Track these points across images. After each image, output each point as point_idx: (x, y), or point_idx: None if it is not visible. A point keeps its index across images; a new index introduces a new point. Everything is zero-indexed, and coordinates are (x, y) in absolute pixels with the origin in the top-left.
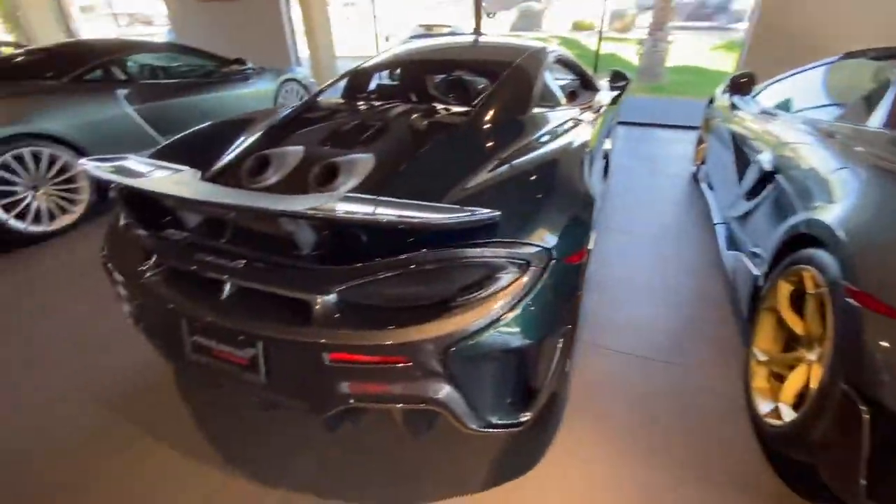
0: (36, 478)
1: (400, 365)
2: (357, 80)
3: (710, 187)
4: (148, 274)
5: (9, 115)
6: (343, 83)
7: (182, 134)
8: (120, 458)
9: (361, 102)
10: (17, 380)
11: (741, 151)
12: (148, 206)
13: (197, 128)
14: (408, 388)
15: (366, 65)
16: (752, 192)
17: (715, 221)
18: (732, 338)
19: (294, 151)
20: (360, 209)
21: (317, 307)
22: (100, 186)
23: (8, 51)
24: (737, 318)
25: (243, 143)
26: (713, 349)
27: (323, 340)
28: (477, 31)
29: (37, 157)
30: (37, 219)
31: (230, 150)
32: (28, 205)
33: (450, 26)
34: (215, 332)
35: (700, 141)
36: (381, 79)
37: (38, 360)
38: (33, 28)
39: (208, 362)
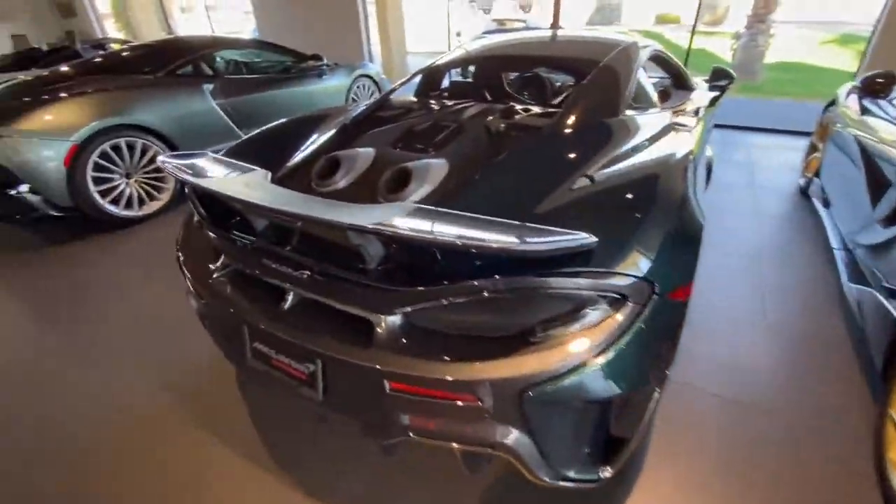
0: (85, 455)
1: (467, 404)
2: (431, 77)
3: (826, 205)
4: (215, 274)
5: (111, 108)
6: (416, 80)
7: (256, 131)
8: (172, 447)
9: (435, 101)
10: (89, 359)
11: (876, 166)
12: (219, 205)
13: (271, 125)
14: (473, 429)
15: (440, 61)
16: (893, 218)
17: (833, 246)
18: (856, 391)
19: (365, 154)
20: (430, 227)
21: (379, 329)
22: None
23: (116, 47)
24: (864, 367)
25: (315, 142)
26: (829, 402)
27: (383, 367)
28: (555, 26)
29: (131, 147)
30: (128, 204)
31: (301, 150)
32: (121, 191)
33: (524, 21)
34: (275, 341)
35: (812, 149)
36: (455, 76)
37: (113, 339)
38: (140, 26)
39: (267, 370)
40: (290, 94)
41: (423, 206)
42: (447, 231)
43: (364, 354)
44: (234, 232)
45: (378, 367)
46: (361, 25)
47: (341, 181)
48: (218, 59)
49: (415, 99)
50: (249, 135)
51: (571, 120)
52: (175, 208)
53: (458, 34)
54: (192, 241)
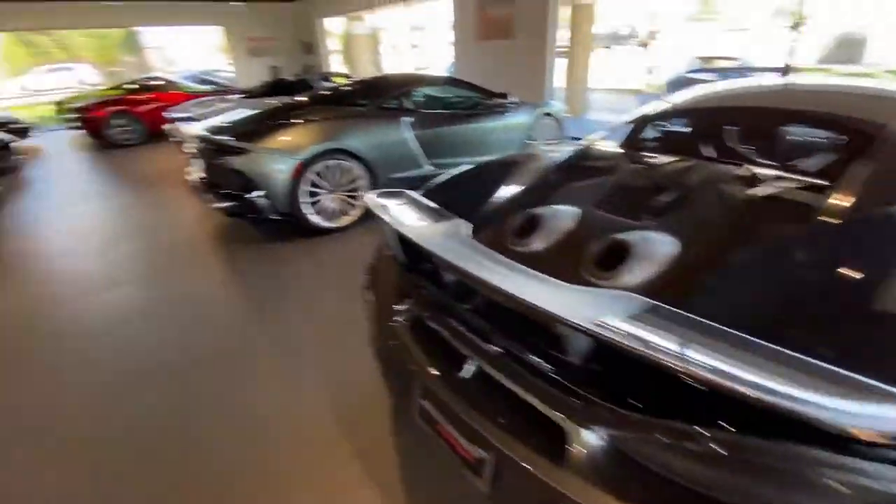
0: (241, 464)
1: None
2: (649, 125)
3: None
4: (397, 316)
5: (330, 134)
6: (620, 126)
7: (450, 174)
8: (317, 467)
9: (650, 155)
10: (279, 356)
11: None
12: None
13: (464, 169)
14: None
15: (661, 108)
16: None
17: None
18: None
19: (568, 213)
20: (677, 348)
21: (573, 445)
22: None
23: (340, 80)
24: None
25: (511, 192)
26: None
27: (572, 495)
28: (787, 68)
29: (339, 167)
30: (328, 216)
31: (498, 199)
32: (324, 205)
33: (736, 59)
34: (446, 409)
35: None
36: (674, 125)
37: (304, 340)
38: (357, 62)
39: (431, 434)
40: (475, 130)
41: (661, 305)
42: (702, 360)
43: (547, 468)
44: (427, 278)
45: (563, 491)
46: (547, 64)
47: (539, 243)
48: (417, 94)
49: (623, 150)
50: (445, 177)
51: (866, 201)
52: (362, 224)
53: (651, 71)
54: (379, 272)
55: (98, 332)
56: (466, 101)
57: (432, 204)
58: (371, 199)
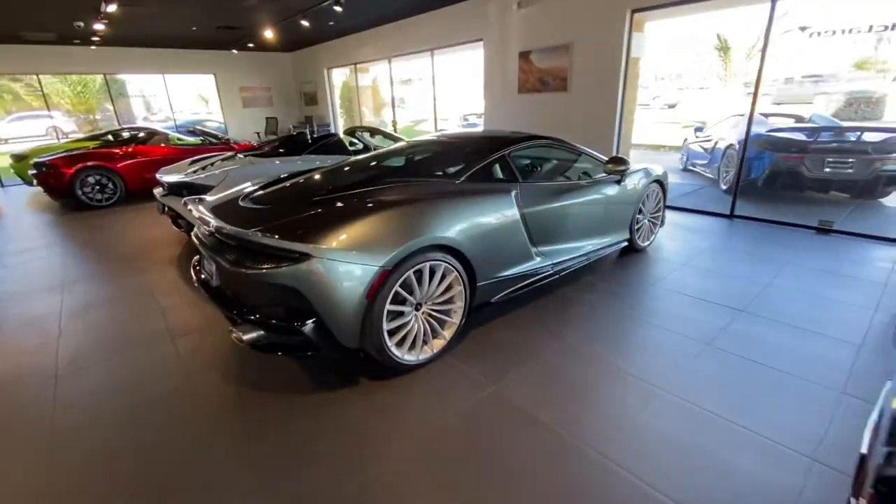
0: None
1: None
2: None
3: None
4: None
5: (423, 224)
6: None
7: None
8: None
9: None
10: None
11: None
12: None
13: None
14: None
15: None
16: None
17: None
18: None
19: None
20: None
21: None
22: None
23: (369, 137)
24: None
25: None
26: None
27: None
28: None
29: (432, 272)
30: (412, 345)
31: None
32: (409, 328)
33: (800, 116)
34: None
35: None
36: None
37: None
38: (359, 113)
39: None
40: (588, 204)
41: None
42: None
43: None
44: None
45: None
46: (616, 121)
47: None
48: (519, 160)
49: None
50: None
51: None
52: (452, 348)
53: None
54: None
55: None
56: (572, 166)
57: None
58: None
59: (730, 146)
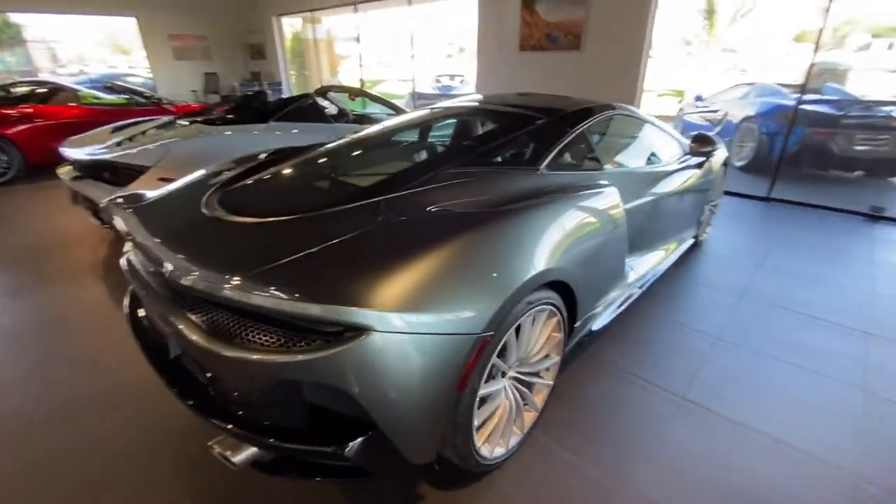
0: None
1: None
2: None
3: None
4: None
5: (537, 254)
6: None
7: None
8: None
9: None
10: None
11: None
12: None
13: None
14: None
15: None
16: None
17: None
18: None
19: None
20: None
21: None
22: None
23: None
24: None
25: None
26: None
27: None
28: None
29: (531, 322)
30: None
31: None
32: (497, 410)
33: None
34: None
35: None
36: None
37: None
38: (312, 69)
39: None
40: (674, 197)
41: None
42: None
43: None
44: None
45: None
46: (639, 85)
47: None
48: (612, 143)
49: None
50: None
51: None
52: (547, 429)
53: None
54: None
55: None
56: (649, 146)
57: None
58: None
59: (746, 118)
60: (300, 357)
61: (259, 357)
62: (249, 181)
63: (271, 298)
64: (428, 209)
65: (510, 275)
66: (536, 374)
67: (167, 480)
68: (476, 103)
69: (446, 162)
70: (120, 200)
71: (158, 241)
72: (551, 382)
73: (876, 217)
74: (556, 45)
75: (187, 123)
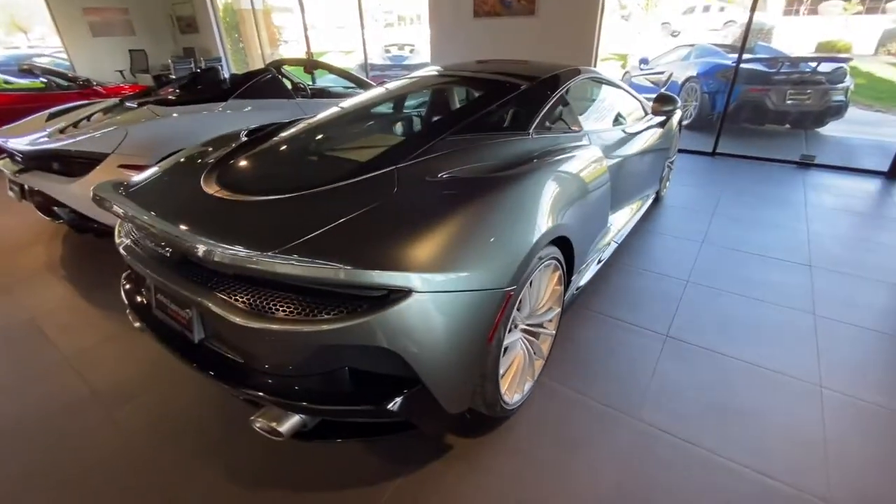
0: None
1: None
2: None
3: None
4: None
5: (548, 212)
6: None
7: None
8: None
9: None
10: None
11: None
12: None
13: None
14: None
15: None
16: None
17: None
18: None
19: None
20: None
21: None
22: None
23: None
24: None
25: None
26: None
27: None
28: None
29: (541, 278)
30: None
31: None
32: (515, 360)
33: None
34: None
35: None
36: None
37: None
38: (248, 42)
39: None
40: (643, 155)
41: None
42: None
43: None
44: None
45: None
46: (595, 49)
47: None
48: (589, 104)
49: None
50: None
51: None
52: (553, 375)
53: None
54: None
55: None
56: (615, 107)
57: None
58: None
59: (689, 79)
60: (347, 323)
61: (306, 328)
62: (244, 160)
63: (318, 268)
64: (440, 176)
65: (527, 233)
66: (542, 326)
67: (199, 463)
68: (452, 72)
69: (444, 130)
70: (110, 187)
71: (175, 223)
72: (554, 332)
73: (807, 164)
74: (511, 11)
75: (136, 106)
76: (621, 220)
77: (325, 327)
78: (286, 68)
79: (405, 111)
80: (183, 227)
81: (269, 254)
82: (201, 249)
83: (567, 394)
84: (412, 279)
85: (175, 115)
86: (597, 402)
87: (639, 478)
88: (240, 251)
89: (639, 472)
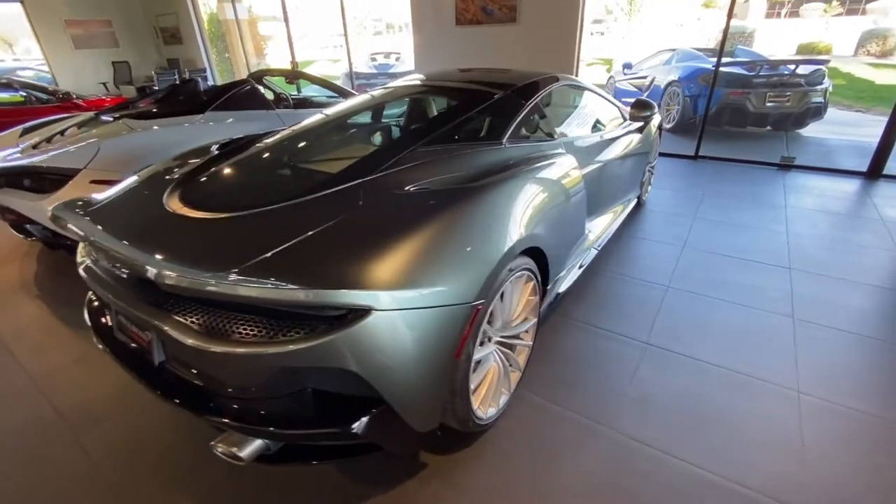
0: None
1: None
2: None
3: None
4: None
5: (520, 223)
6: None
7: None
8: None
9: None
10: None
11: None
12: None
13: None
14: None
15: None
16: None
17: None
18: None
19: None
20: None
21: None
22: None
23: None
24: None
25: None
26: None
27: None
28: None
29: (512, 290)
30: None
31: None
32: (488, 373)
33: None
34: None
35: None
36: None
37: None
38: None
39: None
40: (621, 160)
41: None
42: None
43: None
44: None
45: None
46: (576, 55)
47: None
48: (562, 112)
49: None
50: None
51: None
52: (531, 386)
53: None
54: None
55: None
56: (594, 113)
57: None
58: None
59: (671, 83)
60: (305, 344)
61: (263, 350)
62: (209, 175)
63: (273, 289)
64: (407, 189)
65: (495, 245)
66: (517, 337)
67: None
68: (429, 82)
69: (415, 141)
70: (69, 206)
71: (130, 243)
72: (531, 343)
73: (787, 166)
74: (493, 19)
75: (111, 119)
76: (601, 226)
77: (281, 349)
78: (268, 79)
79: (381, 121)
80: (137, 247)
81: (220, 274)
82: (152, 271)
83: (545, 406)
84: (369, 297)
85: (151, 128)
86: (575, 414)
87: (616, 492)
88: (188, 272)
89: (616, 486)
